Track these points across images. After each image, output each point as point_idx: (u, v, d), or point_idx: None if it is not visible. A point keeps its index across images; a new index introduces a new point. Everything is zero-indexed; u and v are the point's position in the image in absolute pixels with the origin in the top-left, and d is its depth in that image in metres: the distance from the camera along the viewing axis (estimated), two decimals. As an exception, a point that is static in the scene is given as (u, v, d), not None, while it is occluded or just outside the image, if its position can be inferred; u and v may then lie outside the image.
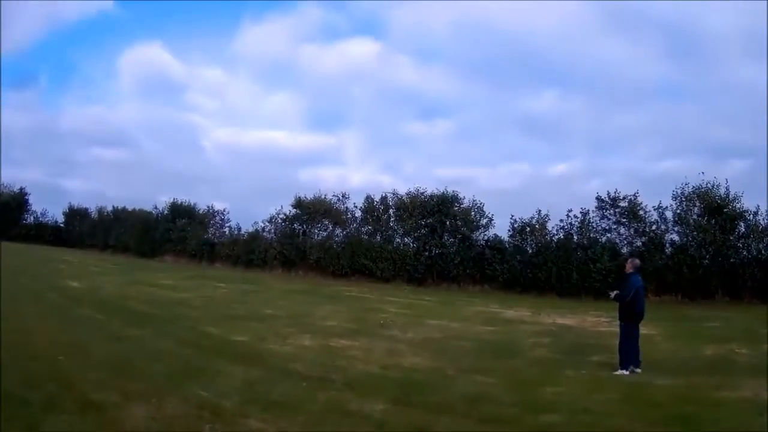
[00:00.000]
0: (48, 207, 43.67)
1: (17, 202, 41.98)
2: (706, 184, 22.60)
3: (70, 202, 42.44)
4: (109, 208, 38.07)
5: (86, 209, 40.70)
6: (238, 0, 64.75)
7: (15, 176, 55.08)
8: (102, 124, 56.42)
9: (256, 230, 28.20)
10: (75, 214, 41.25)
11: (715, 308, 18.71)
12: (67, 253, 33.20)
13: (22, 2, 51.80)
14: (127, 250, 34.18)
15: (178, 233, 30.90)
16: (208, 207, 32.20)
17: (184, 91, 60.82)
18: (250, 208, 52.63)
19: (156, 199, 46.22)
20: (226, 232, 30.31)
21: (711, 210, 22.56)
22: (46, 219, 43.43)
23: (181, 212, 31.89)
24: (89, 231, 38.73)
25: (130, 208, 36.53)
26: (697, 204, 22.69)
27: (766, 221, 22.58)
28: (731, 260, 22.01)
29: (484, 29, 52.56)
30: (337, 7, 64.59)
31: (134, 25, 63.76)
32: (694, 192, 22.66)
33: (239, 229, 29.61)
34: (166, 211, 32.94)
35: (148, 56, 57.16)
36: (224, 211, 31.64)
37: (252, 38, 60.22)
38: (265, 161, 55.34)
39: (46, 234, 41.47)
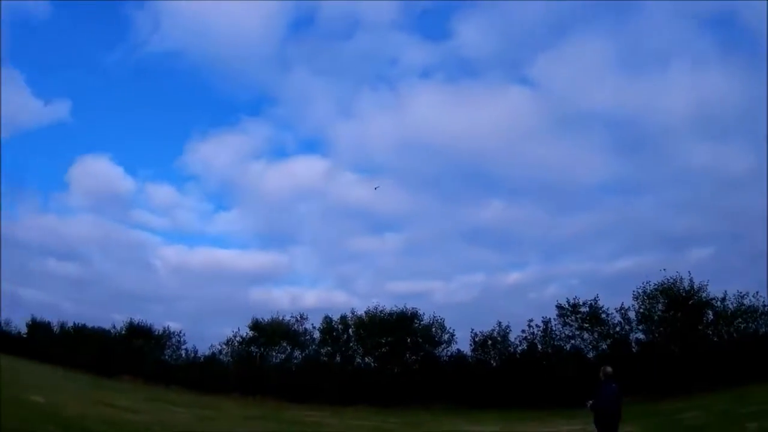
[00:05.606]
0: (7, 316, 41.68)
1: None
2: (669, 279, 22.19)
3: (32, 315, 40.92)
4: (70, 324, 36.82)
5: (48, 323, 39.24)
6: (187, 116, 66.68)
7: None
8: (54, 236, 52.78)
9: (213, 353, 27.10)
10: (37, 327, 39.76)
11: (691, 398, 18.07)
12: (29, 366, 31.57)
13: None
14: (86, 367, 32.82)
15: (135, 354, 29.69)
16: (164, 328, 31.13)
17: (133, 207, 57.63)
18: (204, 328, 46.48)
19: (111, 316, 43.08)
20: (183, 355, 29.19)
21: (676, 304, 22.07)
22: (9, 329, 41.67)
23: (137, 332, 30.72)
24: (51, 346, 37.23)
25: (89, 325, 35.16)
26: (661, 300, 22.19)
27: (734, 305, 22.12)
28: (702, 349, 21.42)
29: (426, 144, 51.99)
30: (283, 125, 64.31)
31: (85, 136, 61.76)
32: (656, 289, 22.16)
33: (196, 351, 28.56)
34: (123, 331, 31.75)
35: (97, 169, 55.22)
36: (180, 332, 30.66)
37: (199, 155, 59.38)
38: (215, 280, 51.41)
39: (8, 344, 39.65)
